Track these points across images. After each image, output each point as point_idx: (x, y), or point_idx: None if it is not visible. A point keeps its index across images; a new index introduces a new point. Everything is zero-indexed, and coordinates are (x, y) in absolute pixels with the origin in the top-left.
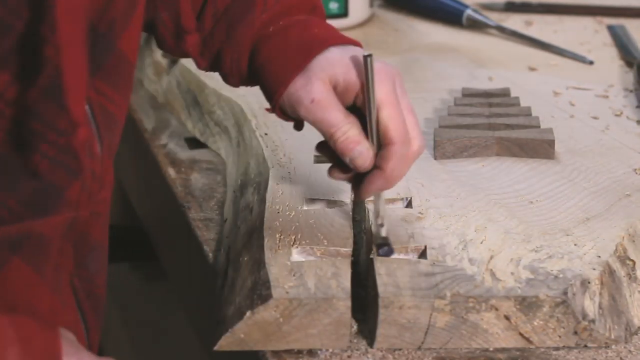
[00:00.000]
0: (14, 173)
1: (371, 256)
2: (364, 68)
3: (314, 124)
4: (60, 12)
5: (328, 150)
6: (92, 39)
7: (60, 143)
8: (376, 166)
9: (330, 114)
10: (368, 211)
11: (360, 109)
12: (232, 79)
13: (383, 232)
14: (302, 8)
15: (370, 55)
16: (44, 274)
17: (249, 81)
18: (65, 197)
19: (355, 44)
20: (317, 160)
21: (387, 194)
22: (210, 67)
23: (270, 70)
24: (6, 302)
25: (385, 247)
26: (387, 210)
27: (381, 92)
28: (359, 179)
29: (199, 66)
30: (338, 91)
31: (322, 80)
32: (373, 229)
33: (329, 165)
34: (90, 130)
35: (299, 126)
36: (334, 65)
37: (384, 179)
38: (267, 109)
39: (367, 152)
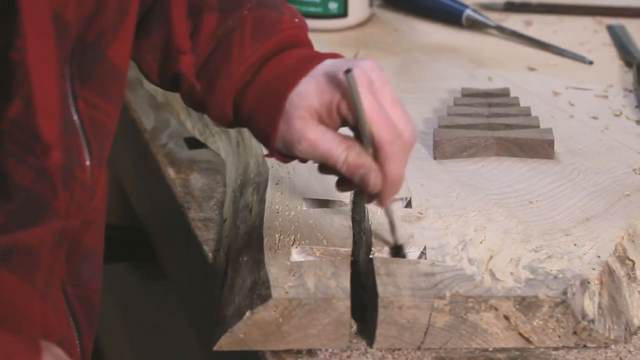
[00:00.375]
0: (1, 184)
1: (370, 256)
2: (348, 85)
3: (312, 158)
4: (26, 18)
5: (331, 169)
6: (80, 49)
7: (37, 166)
8: None
9: (322, 148)
10: (368, 211)
11: (345, 122)
12: (221, 125)
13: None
14: (283, 45)
15: (349, 71)
16: (34, 283)
17: (238, 125)
18: (53, 207)
19: (329, 56)
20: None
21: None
22: (201, 111)
23: (255, 124)
24: None
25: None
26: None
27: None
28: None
29: (194, 88)
30: (322, 117)
31: (301, 118)
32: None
33: None
34: (79, 141)
35: (304, 160)
36: (307, 98)
37: (389, 184)
38: (266, 155)
39: (371, 172)
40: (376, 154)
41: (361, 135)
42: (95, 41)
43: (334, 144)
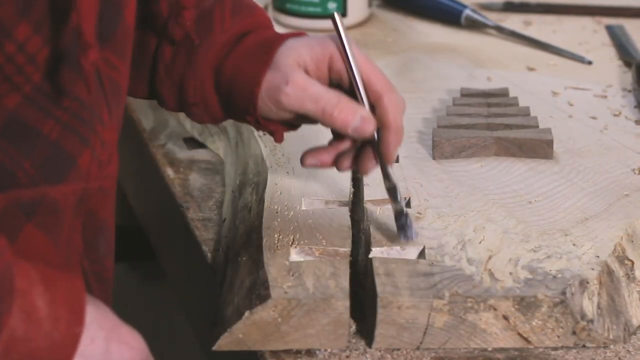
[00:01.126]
0: (30, 136)
1: (370, 256)
2: (334, 26)
3: (299, 107)
4: None
5: (313, 158)
6: (102, 5)
7: (64, 120)
8: (380, 127)
9: (310, 89)
10: (367, 211)
11: (338, 85)
12: (197, 110)
13: (399, 206)
14: (260, 25)
15: (335, 13)
16: (58, 245)
17: (216, 109)
18: (77, 165)
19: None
20: None
21: (386, 194)
22: (177, 104)
23: (240, 77)
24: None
25: (405, 225)
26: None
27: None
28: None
29: (193, 43)
30: (310, 72)
31: (290, 65)
32: (389, 198)
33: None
34: (100, 97)
35: (279, 136)
36: (297, 49)
37: (394, 133)
38: (252, 122)
39: (368, 116)
40: (377, 105)
41: (355, 88)
42: (116, 0)
43: (323, 88)
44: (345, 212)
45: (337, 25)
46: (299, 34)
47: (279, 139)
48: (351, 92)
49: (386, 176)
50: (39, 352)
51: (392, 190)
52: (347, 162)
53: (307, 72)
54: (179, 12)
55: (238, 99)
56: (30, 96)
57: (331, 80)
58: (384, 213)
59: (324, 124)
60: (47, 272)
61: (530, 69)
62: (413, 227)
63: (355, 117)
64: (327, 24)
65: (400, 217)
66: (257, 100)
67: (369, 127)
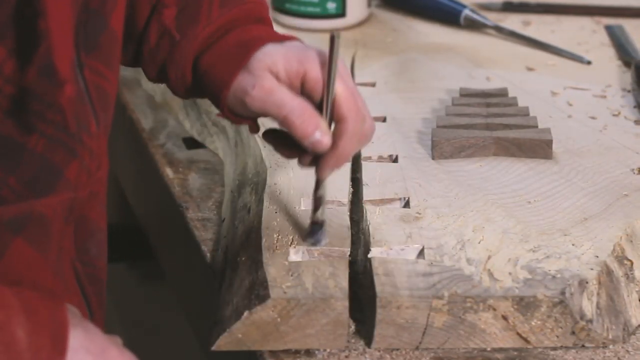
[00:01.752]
0: (14, 151)
1: (369, 255)
2: (330, 45)
3: (263, 110)
4: None
5: (273, 138)
6: (85, 15)
7: (48, 133)
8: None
9: (275, 95)
10: (366, 211)
11: (307, 98)
12: (178, 92)
13: (320, 214)
14: (247, 20)
15: (336, 35)
16: (47, 257)
17: (194, 91)
18: (64, 176)
19: (296, 39)
20: None
21: (385, 194)
22: (159, 80)
23: (213, 75)
24: (10, 284)
25: (318, 232)
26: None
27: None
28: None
29: (174, 39)
30: (281, 81)
31: (262, 70)
32: (312, 205)
33: None
34: (87, 107)
35: (252, 127)
36: (272, 56)
37: (335, 157)
38: (218, 115)
39: (326, 136)
40: (336, 126)
41: (324, 106)
42: (99, 7)
43: (289, 96)
44: (344, 212)
45: (332, 46)
46: (285, 37)
47: (252, 130)
48: (318, 108)
49: (317, 185)
50: None
51: (319, 200)
52: (307, 159)
53: (278, 80)
54: (160, 10)
55: (210, 95)
56: (11, 110)
57: (302, 94)
58: (384, 213)
59: (286, 129)
60: (30, 299)
61: (530, 69)
62: (324, 234)
63: (315, 131)
64: (326, 23)
65: (315, 225)
66: (226, 100)
67: (325, 145)
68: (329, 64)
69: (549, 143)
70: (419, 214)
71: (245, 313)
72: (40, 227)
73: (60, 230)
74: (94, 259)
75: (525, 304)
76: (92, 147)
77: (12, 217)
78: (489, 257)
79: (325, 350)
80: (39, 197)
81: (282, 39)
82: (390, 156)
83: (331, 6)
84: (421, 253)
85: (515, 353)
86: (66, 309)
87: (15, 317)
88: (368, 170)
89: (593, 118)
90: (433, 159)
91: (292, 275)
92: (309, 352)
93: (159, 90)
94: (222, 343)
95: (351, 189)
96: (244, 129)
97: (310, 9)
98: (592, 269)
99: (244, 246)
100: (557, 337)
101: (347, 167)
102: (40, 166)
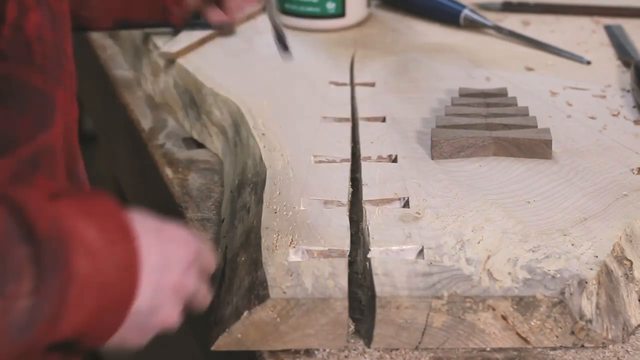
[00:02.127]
0: (23, 91)
1: (369, 255)
2: None
3: None
4: None
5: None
6: None
7: (45, 51)
8: None
9: None
10: (366, 211)
11: None
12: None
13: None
14: None
15: None
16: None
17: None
18: (57, 104)
19: None
20: (315, 161)
21: (385, 194)
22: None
23: None
24: None
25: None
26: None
27: None
28: None
29: None
30: None
31: None
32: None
33: (328, 164)
34: (64, 30)
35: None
36: None
37: None
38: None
39: None
40: None
41: None
42: None
43: None
44: (344, 212)
45: None
46: None
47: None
48: None
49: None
50: (108, 281)
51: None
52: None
53: None
54: None
55: None
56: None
57: None
58: (383, 213)
59: None
60: (79, 202)
61: (529, 69)
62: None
63: None
64: (325, 23)
65: (279, 37)
66: None
67: None
68: None
69: (548, 143)
70: (419, 214)
71: (245, 313)
72: (51, 159)
73: (63, 159)
74: (82, 184)
75: (524, 304)
76: (70, 70)
77: (29, 155)
78: (489, 257)
79: (324, 350)
80: (44, 130)
81: None
82: (390, 156)
83: (330, 6)
84: (420, 253)
85: (515, 353)
86: (111, 198)
87: (80, 222)
88: (367, 170)
89: (592, 118)
90: (432, 159)
91: (291, 276)
92: (308, 352)
93: (159, 90)
94: (222, 343)
95: (350, 189)
96: (243, 129)
97: (309, 9)
98: (591, 269)
99: (244, 246)
100: (557, 337)
101: (346, 167)
102: (43, 101)
